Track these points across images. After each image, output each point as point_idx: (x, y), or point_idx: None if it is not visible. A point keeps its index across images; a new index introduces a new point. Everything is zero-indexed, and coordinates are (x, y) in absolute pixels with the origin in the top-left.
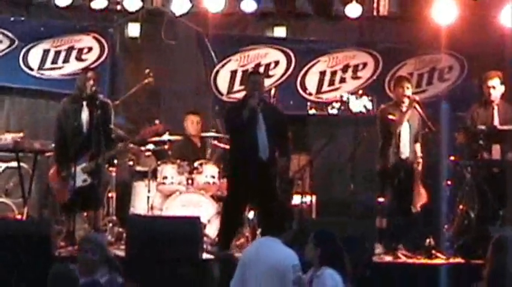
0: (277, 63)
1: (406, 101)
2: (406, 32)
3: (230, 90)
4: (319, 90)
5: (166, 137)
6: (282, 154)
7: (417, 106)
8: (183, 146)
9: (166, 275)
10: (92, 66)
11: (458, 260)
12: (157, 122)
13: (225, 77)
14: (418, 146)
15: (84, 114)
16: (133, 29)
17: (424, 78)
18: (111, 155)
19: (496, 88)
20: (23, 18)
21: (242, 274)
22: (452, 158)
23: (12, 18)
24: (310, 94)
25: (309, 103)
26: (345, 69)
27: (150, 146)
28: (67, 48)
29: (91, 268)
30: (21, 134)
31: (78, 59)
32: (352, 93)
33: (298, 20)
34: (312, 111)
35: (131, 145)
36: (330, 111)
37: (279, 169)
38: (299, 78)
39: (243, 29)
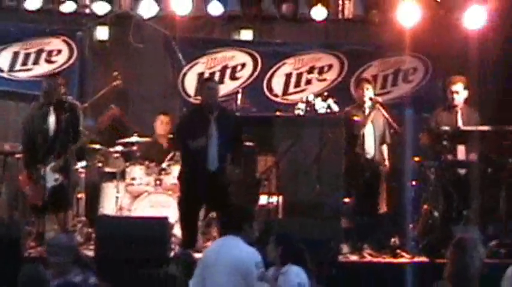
0: (243, 65)
1: (368, 102)
2: (371, 34)
3: (197, 93)
4: (285, 92)
5: (134, 138)
6: (233, 160)
7: (380, 108)
8: (151, 147)
9: (135, 275)
10: (61, 68)
11: (423, 259)
12: (112, 106)
13: (193, 79)
14: (384, 148)
15: (51, 118)
16: (102, 32)
17: (389, 80)
18: (77, 149)
19: (459, 93)
20: None
21: (201, 273)
22: (416, 159)
23: None
24: (276, 96)
25: (275, 105)
26: (310, 71)
27: (119, 148)
28: (37, 50)
29: (62, 269)
30: None
31: (48, 61)
32: (317, 95)
33: (265, 23)
34: (278, 113)
35: (98, 146)
36: (296, 112)
37: (230, 176)
38: (265, 80)
39: (210, 32)
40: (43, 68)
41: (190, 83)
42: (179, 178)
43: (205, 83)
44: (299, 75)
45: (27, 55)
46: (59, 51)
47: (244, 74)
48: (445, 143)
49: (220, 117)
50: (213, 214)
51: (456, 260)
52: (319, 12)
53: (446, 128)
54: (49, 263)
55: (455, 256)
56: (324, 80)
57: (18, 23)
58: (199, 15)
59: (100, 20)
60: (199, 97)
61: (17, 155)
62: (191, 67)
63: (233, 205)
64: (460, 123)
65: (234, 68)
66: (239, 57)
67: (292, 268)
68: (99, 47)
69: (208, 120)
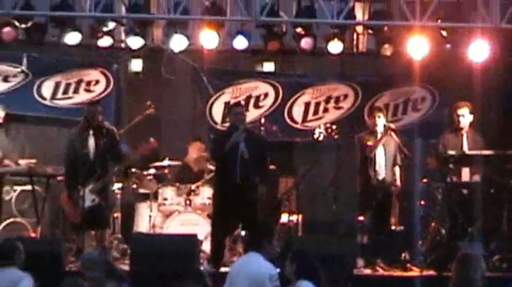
0: (266, 95)
1: (381, 128)
2: (383, 66)
3: (224, 120)
4: (304, 119)
5: (166, 162)
6: (261, 180)
7: (393, 133)
8: (183, 170)
9: None
10: (99, 97)
11: (431, 272)
12: (151, 139)
13: (219, 107)
14: (397, 169)
15: (91, 142)
16: (136, 65)
17: (400, 108)
18: (117, 173)
19: (465, 117)
20: (36, 55)
21: (228, 285)
22: (425, 180)
23: (26, 56)
24: (296, 123)
25: (295, 131)
26: (327, 101)
27: (152, 171)
28: (77, 81)
29: (97, 283)
30: (34, 161)
31: (87, 90)
32: (333, 123)
33: (285, 56)
34: (298, 139)
35: (133, 170)
36: (315, 137)
37: (259, 195)
38: (286, 109)
39: (236, 65)
40: (82, 96)
41: (217, 111)
42: (213, 196)
43: (233, 109)
44: (317, 104)
45: (68, 85)
46: (97, 82)
47: (267, 103)
48: (451, 166)
49: (248, 139)
50: (239, 231)
51: (460, 274)
52: (335, 46)
53: (452, 152)
54: (86, 278)
55: (459, 270)
56: (340, 108)
57: (59, 56)
58: (226, 49)
59: (134, 53)
60: (227, 122)
61: (59, 178)
62: (218, 97)
63: (259, 220)
64: (465, 145)
65: (257, 98)
66: (262, 87)
67: (303, 283)
68: (134, 78)
69: (237, 141)
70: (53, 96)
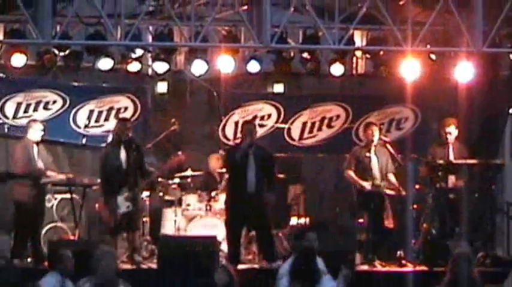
0: (269, 115)
1: (376, 141)
2: (379, 86)
3: (235, 137)
4: (301, 137)
5: (189, 172)
6: (269, 188)
7: (388, 146)
8: (206, 179)
9: (189, 283)
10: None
11: (423, 268)
12: (179, 153)
13: (231, 126)
14: (391, 176)
15: (123, 156)
16: (162, 87)
17: (384, 127)
18: (147, 183)
19: (451, 133)
20: (75, 84)
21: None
22: (417, 186)
23: (64, 83)
24: (293, 140)
25: (293, 147)
26: (322, 120)
27: (176, 180)
28: (108, 108)
29: None
30: (71, 175)
31: (117, 117)
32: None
33: (293, 78)
34: (298, 155)
35: (160, 179)
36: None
37: (267, 202)
38: (286, 128)
39: (249, 86)
40: (112, 123)
41: (229, 129)
42: (226, 203)
43: (246, 125)
44: (313, 124)
45: (100, 113)
46: (126, 108)
47: (269, 122)
48: (439, 173)
49: (257, 151)
50: (253, 233)
51: (454, 269)
52: (337, 69)
53: (440, 161)
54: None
55: (453, 267)
56: (332, 127)
57: (93, 82)
58: (240, 73)
59: (160, 77)
60: (238, 139)
61: (94, 187)
62: (230, 117)
63: (269, 226)
64: (451, 155)
65: (262, 118)
66: (267, 109)
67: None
68: (160, 98)
69: (247, 153)
70: (86, 124)
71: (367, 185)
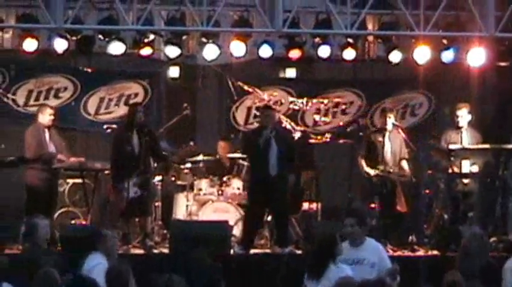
0: (282, 102)
1: (390, 126)
2: (391, 71)
3: (246, 123)
4: (315, 123)
5: (200, 157)
6: (290, 171)
7: (401, 131)
8: (216, 164)
9: (201, 266)
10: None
11: (435, 252)
12: (191, 143)
13: (243, 111)
14: (404, 163)
15: (135, 141)
16: (174, 71)
17: (399, 114)
18: (161, 168)
19: (463, 117)
20: (87, 70)
21: None
22: (429, 172)
23: (76, 68)
24: (307, 126)
25: (306, 133)
26: (335, 106)
27: (188, 165)
28: (118, 95)
29: None
30: (83, 159)
31: (127, 104)
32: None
33: (305, 63)
34: (312, 140)
35: (173, 164)
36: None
37: (289, 184)
38: (299, 115)
39: (261, 70)
40: (122, 110)
41: (240, 115)
42: (249, 187)
43: (264, 110)
44: (327, 110)
45: (110, 100)
46: (136, 95)
47: (282, 108)
48: (452, 158)
49: (277, 135)
50: (266, 218)
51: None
52: (349, 54)
53: (454, 146)
54: None
55: (469, 249)
56: (347, 114)
57: (105, 68)
58: (252, 58)
59: (172, 61)
60: (249, 124)
61: (106, 172)
62: (242, 102)
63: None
64: (464, 141)
65: (275, 103)
66: (279, 94)
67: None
68: (172, 83)
69: (269, 137)
70: (97, 112)
71: (372, 173)
